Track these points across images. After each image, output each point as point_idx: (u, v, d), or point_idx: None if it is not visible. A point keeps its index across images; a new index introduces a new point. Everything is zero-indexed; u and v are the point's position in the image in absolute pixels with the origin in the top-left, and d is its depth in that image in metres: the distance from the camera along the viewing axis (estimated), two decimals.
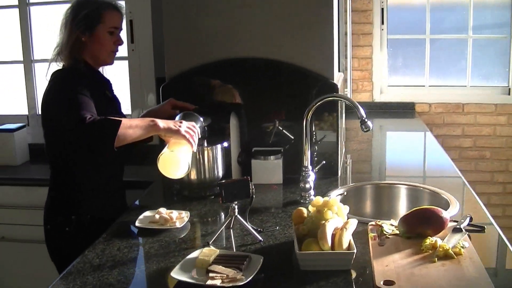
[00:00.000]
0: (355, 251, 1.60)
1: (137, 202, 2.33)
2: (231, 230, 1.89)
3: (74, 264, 1.74)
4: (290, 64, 2.43)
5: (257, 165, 2.42)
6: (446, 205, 2.09)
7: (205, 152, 2.27)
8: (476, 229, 1.84)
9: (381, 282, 1.48)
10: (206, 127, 2.29)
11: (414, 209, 1.81)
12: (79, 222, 2.18)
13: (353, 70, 4.04)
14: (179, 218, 2.03)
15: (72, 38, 2.14)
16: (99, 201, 2.24)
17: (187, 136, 1.98)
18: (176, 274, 1.58)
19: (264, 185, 2.41)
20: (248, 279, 1.53)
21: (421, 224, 1.74)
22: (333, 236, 1.66)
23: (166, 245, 1.85)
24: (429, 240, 1.68)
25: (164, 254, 1.77)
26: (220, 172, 2.32)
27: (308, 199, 2.18)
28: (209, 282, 1.53)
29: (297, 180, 2.22)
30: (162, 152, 1.96)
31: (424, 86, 4.12)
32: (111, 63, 2.28)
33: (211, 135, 2.34)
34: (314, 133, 2.47)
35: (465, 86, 4.07)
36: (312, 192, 2.20)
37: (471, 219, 1.85)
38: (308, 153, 2.18)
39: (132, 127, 1.97)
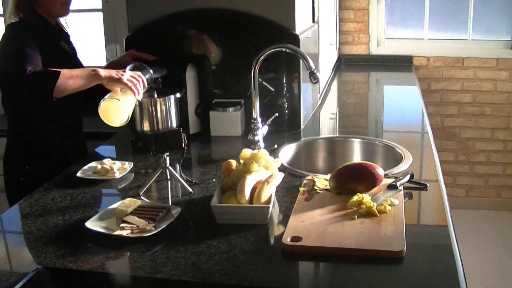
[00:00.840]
0: (270, 205, 1.53)
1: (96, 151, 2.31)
2: (168, 182, 1.84)
3: (5, 212, 1.72)
4: (254, 15, 2.33)
5: (215, 116, 2.35)
6: (398, 160, 1.98)
7: (158, 104, 2.20)
8: (418, 186, 1.73)
9: (288, 239, 1.41)
10: (159, 79, 2.23)
11: (347, 164, 1.71)
12: (34, 172, 2.16)
13: (348, 22, 3.89)
14: (121, 168, 1.98)
15: None
16: (55, 152, 2.21)
17: (129, 84, 1.92)
18: (91, 223, 1.55)
19: (223, 137, 2.34)
20: (156, 231, 1.49)
21: (352, 179, 1.65)
22: (254, 190, 1.59)
23: (98, 196, 1.81)
24: (356, 197, 1.59)
25: (93, 204, 1.74)
26: (174, 123, 2.26)
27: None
28: (117, 232, 1.49)
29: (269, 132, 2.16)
30: (103, 98, 1.90)
31: (422, 39, 3.93)
32: (65, 14, 2.23)
33: (170, 86, 2.27)
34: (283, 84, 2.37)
35: (466, 39, 3.87)
36: (262, 145, 2.12)
37: (412, 176, 1.75)
38: (257, 105, 2.09)
39: (72, 77, 1.92)
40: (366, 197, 1.59)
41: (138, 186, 1.87)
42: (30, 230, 1.57)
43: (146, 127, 2.21)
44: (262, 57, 2.01)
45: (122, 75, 1.93)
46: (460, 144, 4.02)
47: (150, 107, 2.19)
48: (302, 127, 2.42)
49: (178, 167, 1.87)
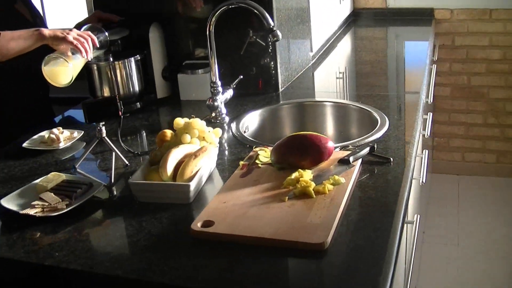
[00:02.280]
0: (191, 183, 1.35)
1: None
2: (113, 154, 1.68)
3: None
4: None
5: (183, 79, 2.17)
6: (372, 127, 1.76)
7: (117, 67, 2.04)
8: (380, 160, 1.51)
9: (199, 224, 1.23)
10: (119, 41, 2.06)
11: (292, 134, 1.51)
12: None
13: None
14: (69, 138, 1.84)
15: None
16: (19, 118, 2.09)
17: (75, 42, 1.76)
18: (7, 200, 1.43)
19: (193, 102, 2.16)
20: (66, 210, 1.35)
21: (294, 153, 1.45)
22: (180, 165, 1.41)
23: (36, 168, 1.68)
24: (296, 174, 1.40)
25: (25, 177, 1.61)
26: (136, 88, 2.09)
27: (218, 119, 1.92)
28: (25, 211, 1.36)
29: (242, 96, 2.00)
30: (48, 55, 1.74)
31: None
32: None
33: (134, 48, 2.10)
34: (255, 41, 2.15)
35: None
36: (223, 111, 1.93)
37: (372, 148, 1.53)
38: (215, 67, 1.89)
39: (14, 38, 1.78)
40: (307, 174, 1.39)
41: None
42: None
43: (106, 92, 2.06)
44: (216, 13, 1.81)
45: (68, 33, 1.77)
46: (489, 105, 3.68)
47: (108, 72, 2.04)
48: (281, 89, 2.20)
49: (115, 138, 1.71)
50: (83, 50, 1.77)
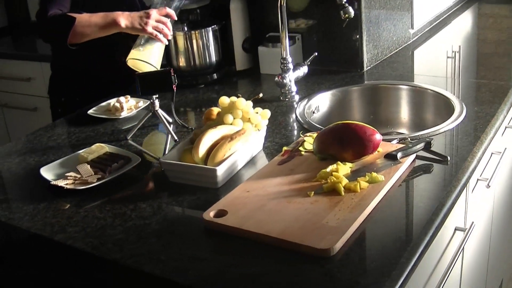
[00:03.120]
0: (218, 168, 1.29)
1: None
2: (171, 126, 1.66)
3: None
4: None
5: (264, 52, 2.08)
6: (447, 115, 1.57)
7: (193, 37, 2.00)
8: (436, 158, 1.34)
9: (212, 213, 1.17)
10: (198, 10, 2.02)
11: (336, 123, 1.38)
12: (69, 104, 2.12)
13: None
14: (135, 107, 1.85)
15: None
16: (91, 85, 2.14)
17: (155, 33, 1.75)
18: (46, 169, 1.46)
19: (273, 75, 2.07)
20: (94, 184, 1.35)
21: (335, 144, 1.32)
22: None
23: (91, 137, 1.71)
24: (332, 167, 1.28)
25: (78, 145, 1.63)
26: (213, 58, 2.05)
27: (288, 97, 1.82)
28: (55, 182, 1.37)
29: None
30: (131, 51, 1.77)
31: None
32: None
33: (214, 18, 2.05)
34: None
35: None
36: (293, 89, 1.82)
37: (428, 144, 1.36)
38: (286, 42, 1.78)
39: (90, 25, 1.81)
40: (344, 168, 1.27)
41: (139, 128, 1.71)
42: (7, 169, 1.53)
43: (182, 62, 2.04)
44: None
45: (146, 23, 1.75)
46: None
47: (184, 42, 2.01)
48: (366, 68, 2.04)
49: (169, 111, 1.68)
50: (163, 39, 1.76)
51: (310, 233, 1.06)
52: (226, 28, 2.09)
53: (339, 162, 1.29)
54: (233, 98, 1.46)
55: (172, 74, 1.59)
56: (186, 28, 2.00)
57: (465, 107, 1.60)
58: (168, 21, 1.78)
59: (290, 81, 1.80)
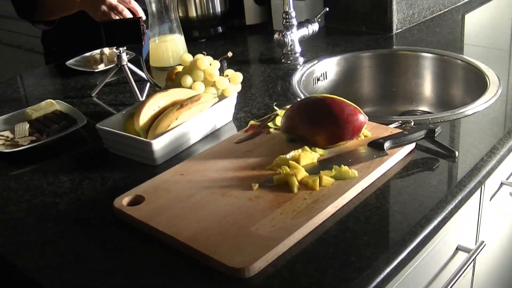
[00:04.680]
0: (152, 141, 1.05)
1: None
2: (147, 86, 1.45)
3: None
4: None
5: (278, 6, 1.80)
6: (479, 92, 1.26)
7: None
8: (441, 151, 1.05)
9: (126, 198, 0.95)
10: None
11: (309, 96, 1.10)
12: (61, 55, 1.94)
13: None
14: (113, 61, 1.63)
15: None
16: (84, 37, 1.94)
17: (106, 14, 1.48)
18: None
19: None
20: (19, 148, 1.15)
21: (305, 122, 1.05)
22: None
23: (58, 90, 1.52)
24: (294, 153, 1.02)
25: (39, 100, 1.43)
26: (218, 8, 1.80)
27: (291, 58, 1.55)
28: None
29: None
30: None
31: None
32: None
33: None
34: None
35: None
36: (296, 49, 1.55)
37: (431, 132, 1.07)
38: None
39: None
40: (308, 156, 1.01)
41: (107, 85, 1.50)
42: None
43: (181, 12, 1.79)
44: None
45: (98, 7, 1.48)
46: None
47: None
48: (395, 31, 1.72)
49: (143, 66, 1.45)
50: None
51: (228, 242, 0.82)
52: None
53: (306, 147, 1.03)
54: (198, 56, 1.21)
55: (142, 23, 1.36)
56: None
57: (503, 88, 1.27)
58: (125, 11, 1.48)
59: (292, 40, 1.53)
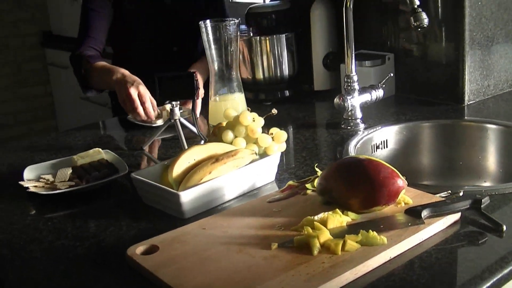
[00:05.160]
0: (180, 192, 1.03)
1: None
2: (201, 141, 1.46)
3: None
4: None
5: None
6: None
7: (262, 44, 1.77)
8: (488, 224, 0.96)
9: (141, 248, 0.93)
10: (273, 15, 1.78)
11: (347, 157, 1.05)
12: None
13: None
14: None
15: None
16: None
17: (126, 108, 1.55)
18: (36, 168, 1.32)
19: None
20: (54, 192, 1.18)
21: (341, 184, 1.00)
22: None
23: (113, 141, 1.56)
24: (323, 214, 0.97)
25: (94, 147, 1.47)
26: (286, 72, 1.80)
27: (351, 123, 1.51)
28: (26, 182, 1.23)
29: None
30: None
31: None
32: None
33: (292, 25, 1.80)
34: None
35: None
36: (357, 115, 1.51)
37: (477, 202, 0.98)
38: (351, 57, 1.47)
39: (96, 70, 1.72)
40: (336, 219, 0.95)
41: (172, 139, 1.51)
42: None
43: (247, 73, 1.81)
44: None
45: (126, 87, 1.52)
46: None
47: (253, 49, 1.78)
48: (467, 102, 1.64)
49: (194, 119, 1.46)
50: (137, 113, 1.53)
51: None
52: (305, 38, 1.82)
53: (337, 210, 0.97)
54: (242, 111, 1.20)
55: (196, 78, 1.37)
56: (252, 33, 1.77)
57: None
58: (148, 102, 1.52)
59: (353, 105, 1.49)
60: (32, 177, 1.27)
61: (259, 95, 1.81)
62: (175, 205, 1.05)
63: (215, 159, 1.10)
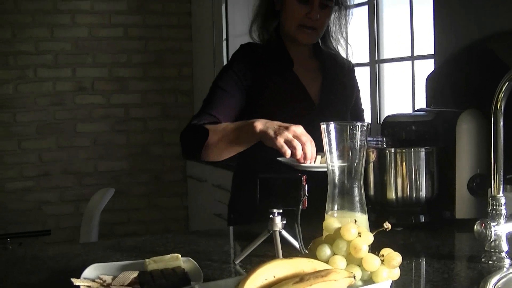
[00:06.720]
0: None
1: None
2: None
3: None
4: None
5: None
6: None
7: (397, 158, 1.55)
8: None
9: None
10: (413, 126, 1.59)
11: None
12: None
13: None
14: None
15: (263, 5, 1.86)
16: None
17: (285, 147, 1.44)
18: (105, 267, 1.20)
19: None
20: None
21: None
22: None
23: (205, 250, 1.39)
24: None
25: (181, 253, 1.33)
26: (422, 193, 1.56)
27: (493, 257, 1.22)
28: (79, 282, 1.10)
29: None
30: None
31: None
32: (302, 40, 1.81)
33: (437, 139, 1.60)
34: None
35: None
36: (503, 247, 1.22)
37: None
38: (499, 175, 1.22)
39: (224, 132, 1.62)
40: None
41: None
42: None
43: (373, 190, 1.59)
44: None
45: (280, 133, 1.45)
46: None
47: (383, 162, 1.57)
48: None
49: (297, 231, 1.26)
50: (298, 155, 1.43)
51: None
52: (449, 155, 1.57)
53: None
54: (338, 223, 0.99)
55: (304, 183, 1.19)
56: (384, 144, 1.57)
57: None
58: (308, 143, 1.44)
59: (497, 234, 1.21)
60: (91, 276, 1.14)
61: (388, 218, 1.56)
62: None
63: (299, 278, 0.88)
